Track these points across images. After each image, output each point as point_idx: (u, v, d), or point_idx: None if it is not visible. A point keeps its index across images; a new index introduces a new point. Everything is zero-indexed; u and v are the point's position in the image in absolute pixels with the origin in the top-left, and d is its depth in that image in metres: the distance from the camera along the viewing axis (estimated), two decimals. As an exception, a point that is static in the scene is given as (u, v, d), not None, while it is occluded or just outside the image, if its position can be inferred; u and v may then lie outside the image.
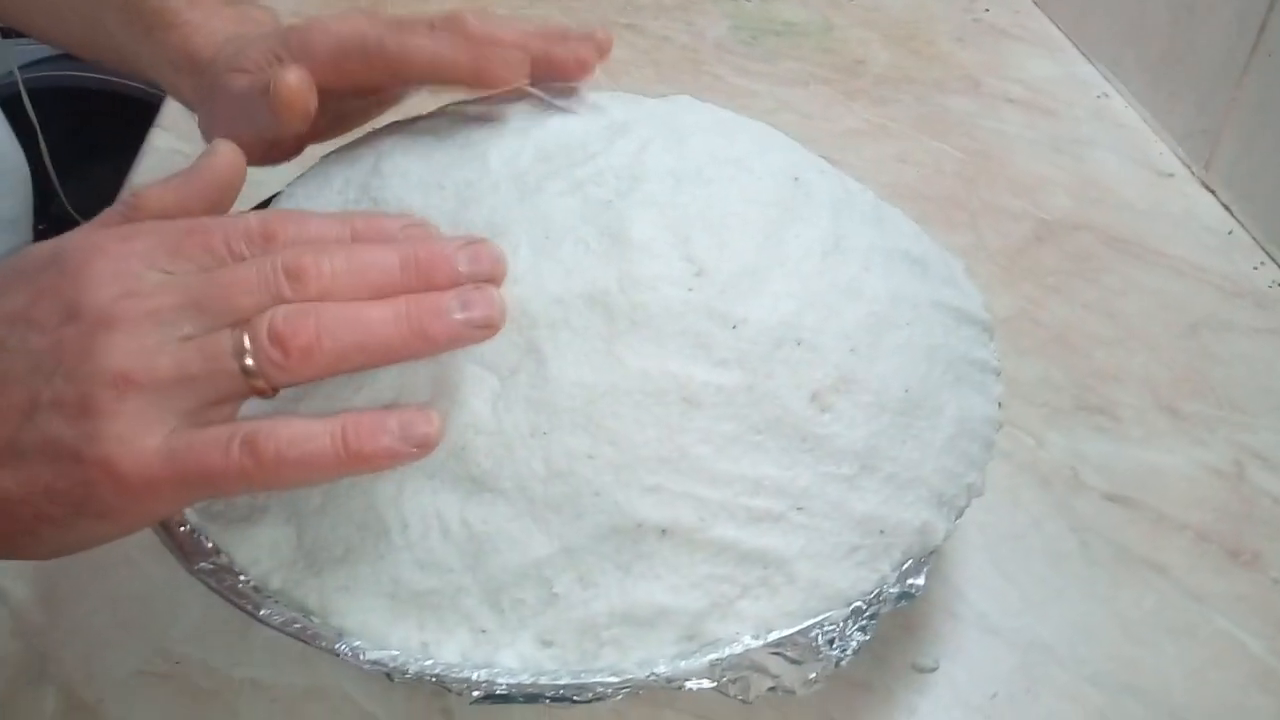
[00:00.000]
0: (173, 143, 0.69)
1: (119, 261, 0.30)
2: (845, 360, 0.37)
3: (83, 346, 0.28)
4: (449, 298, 0.31)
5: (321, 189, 0.42)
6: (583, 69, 0.41)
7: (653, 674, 0.34)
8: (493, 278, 0.32)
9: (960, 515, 0.38)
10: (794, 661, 0.35)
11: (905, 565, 0.36)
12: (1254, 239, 0.64)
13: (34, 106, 1.05)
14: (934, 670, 0.41)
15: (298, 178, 0.44)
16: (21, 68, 1.18)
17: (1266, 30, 0.63)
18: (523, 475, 0.34)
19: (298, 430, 0.29)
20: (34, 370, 0.28)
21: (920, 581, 0.37)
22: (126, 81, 1.33)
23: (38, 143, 1.06)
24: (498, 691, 0.34)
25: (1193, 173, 0.70)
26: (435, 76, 0.40)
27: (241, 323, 0.29)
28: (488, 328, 0.31)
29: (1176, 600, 0.44)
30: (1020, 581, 0.44)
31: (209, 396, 0.29)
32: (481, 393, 0.35)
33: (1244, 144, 0.66)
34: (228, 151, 0.34)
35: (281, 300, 0.29)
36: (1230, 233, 0.65)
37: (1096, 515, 0.47)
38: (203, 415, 0.29)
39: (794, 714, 0.39)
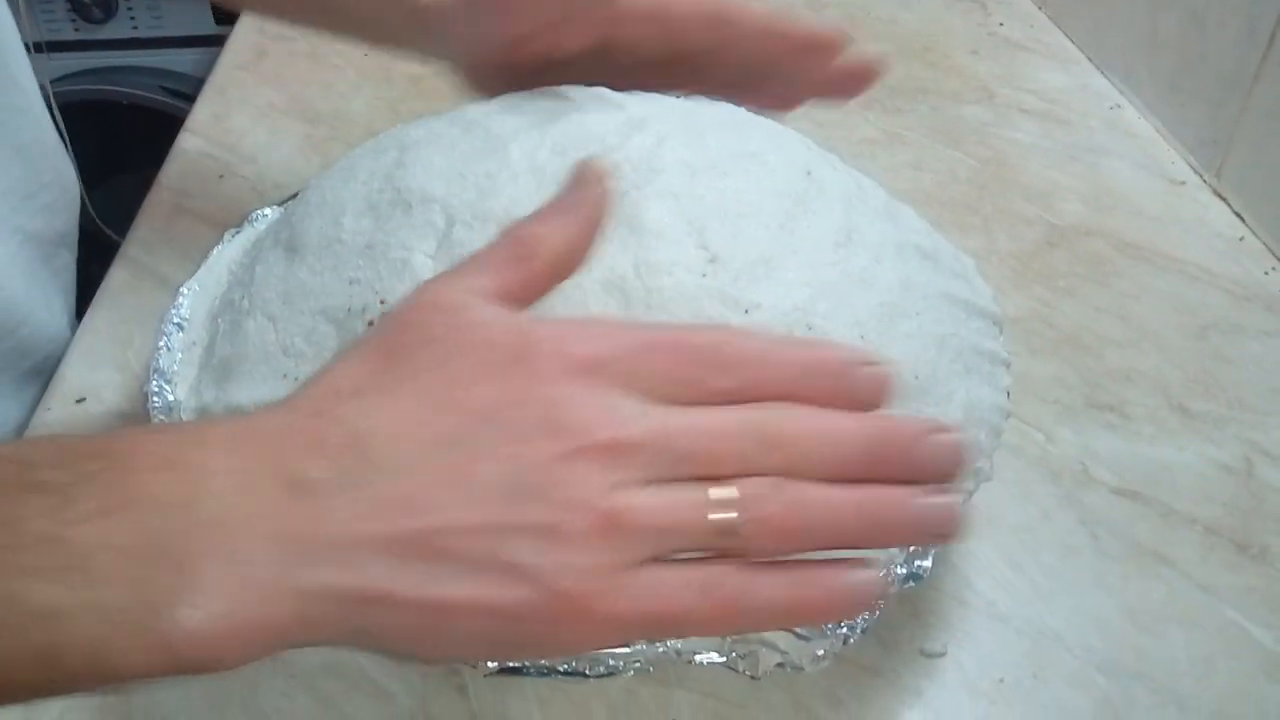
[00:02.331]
0: (201, 146, 0.70)
1: (593, 376, 0.29)
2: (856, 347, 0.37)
3: (562, 469, 0.27)
4: (911, 501, 0.30)
5: (347, 182, 0.43)
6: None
7: (664, 646, 0.34)
8: (951, 474, 0.31)
9: (968, 500, 0.39)
10: (802, 638, 0.35)
11: (913, 547, 0.37)
12: (1264, 245, 0.65)
13: (64, 120, 1.07)
14: (942, 656, 0.41)
15: (323, 171, 0.46)
16: (53, 81, 1.20)
17: (1276, 41, 0.64)
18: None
19: (753, 580, 0.29)
20: (504, 482, 0.27)
21: (928, 563, 0.37)
22: (153, 96, 1.36)
23: (68, 156, 1.08)
24: (510, 664, 0.35)
25: (1204, 180, 0.70)
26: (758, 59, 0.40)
27: (715, 480, 0.28)
28: (947, 532, 0.31)
29: (1185, 592, 0.44)
30: (1029, 572, 0.45)
31: (678, 546, 0.28)
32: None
33: (1255, 152, 0.66)
34: (603, 173, 0.35)
35: (759, 467, 0.29)
36: (1241, 239, 0.65)
37: (1106, 509, 0.48)
38: (662, 552, 0.28)
39: (802, 694, 0.40)
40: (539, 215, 0.35)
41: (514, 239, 0.33)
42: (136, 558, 0.25)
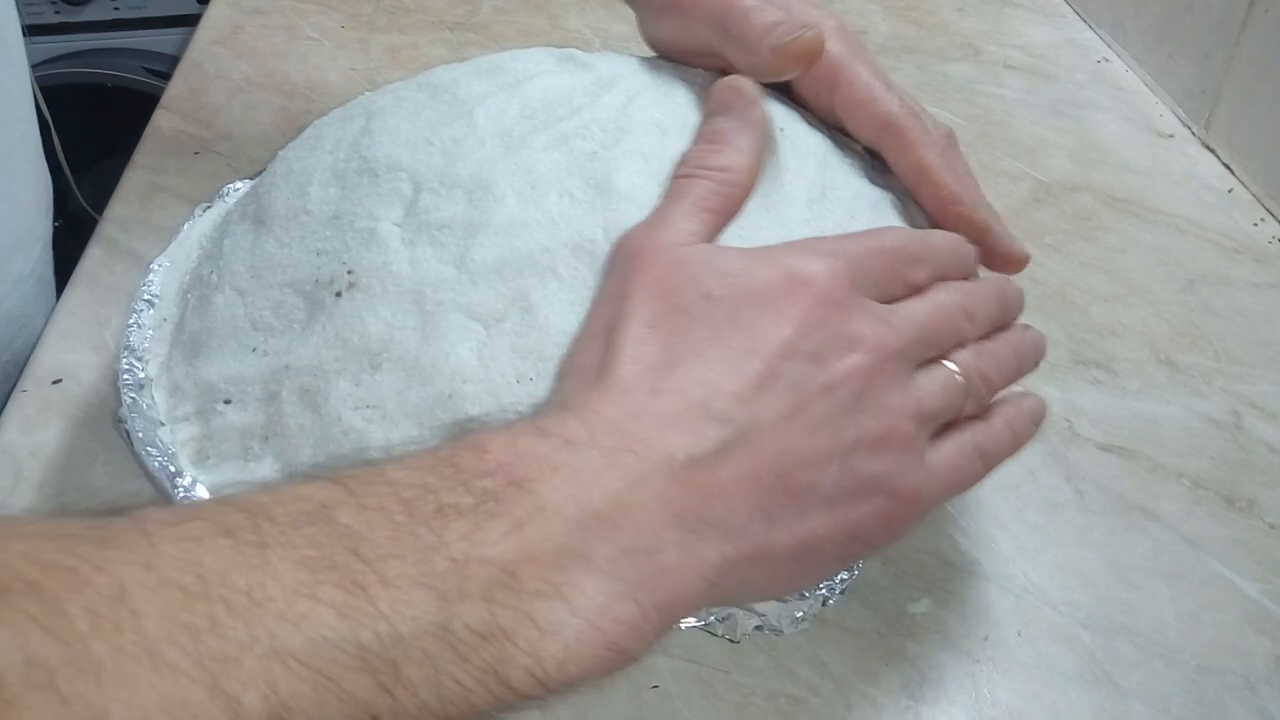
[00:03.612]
0: (177, 123, 0.70)
1: (855, 291, 0.32)
2: (829, 304, 0.37)
3: (874, 382, 0.30)
4: (1026, 337, 0.39)
5: (313, 151, 0.42)
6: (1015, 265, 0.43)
7: (639, 611, 0.34)
8: (1022, 309, 0.40)
9: None
10: (780, 600, 0.35)
11: (891, 505, 0.36)
12: (1254, 196, 0.64)
13: (47, 103, 1.07)
14: (925, 615, 0.41)
15: (290, 143, 0.45)
16: (34, 66, 1.19)
17: (1264, -13, 0.63)
18: (510, 422, 0.35)
19: (988, 430, 0.35)
20: (835, 408, 0.30)
21: (907, 521, 0.37)
22: (137, 78, 1.35)
23: (51, 139, 1.07)
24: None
25: (1193, 133, 0.70)
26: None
27: (941, 358, 0.34)
28: (1039, 359, 0.40)
29: (1171, 546, 0.44)
30: (1014, 530, 0.44)
31: (945, 419, 0.33)
32: (468, 341, 0.36)
33: (1243, 102, 0.65)
34: (754, 89, 0.38)
35: (963, 339, 0.35)
36: (1230, 191, 0.65)
37: (1092, 465, 0.47)
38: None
39: (784, 656, 0.39)
40: (717, 146, 0.36)
41: (711, 175, 0.35)
42: (554, 565, 0.25)
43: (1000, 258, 0.41)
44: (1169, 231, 0.61)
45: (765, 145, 0.37)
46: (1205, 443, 0.48)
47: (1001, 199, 0.63)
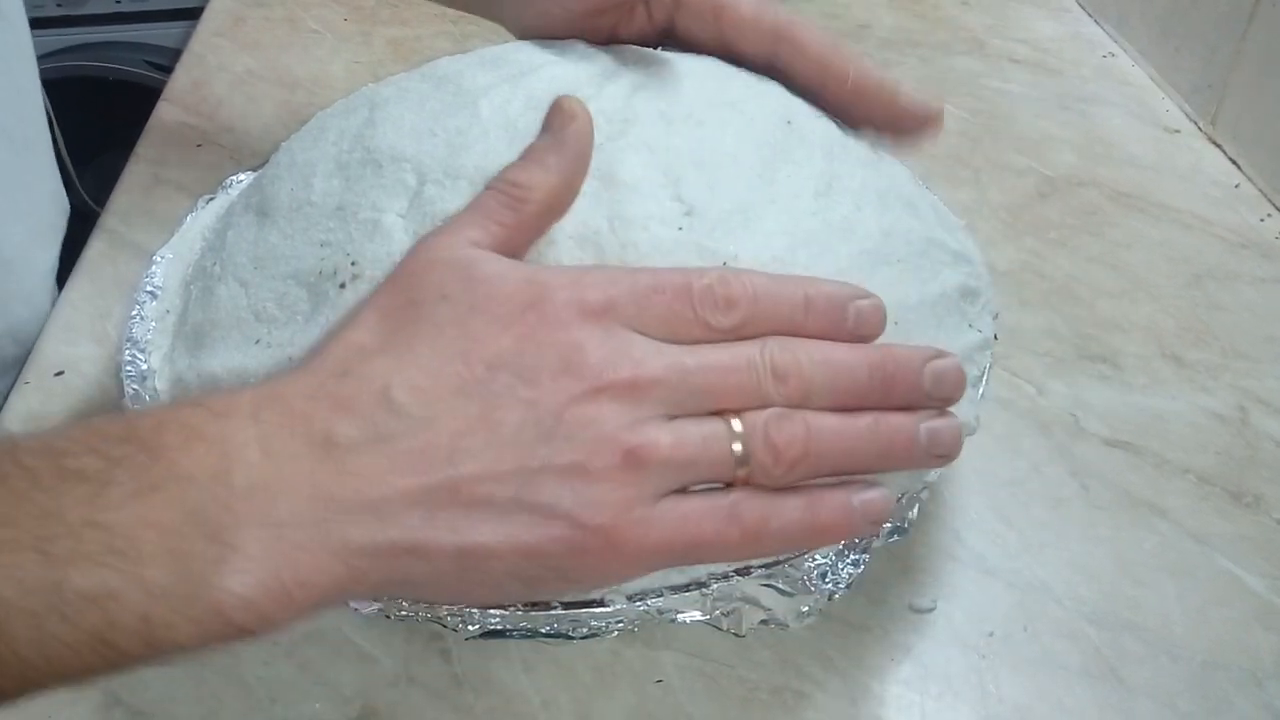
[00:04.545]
0: (180, 115, 0.69)
1: (604, 319, 0.30)
2: (836, 296, 0.37)
3: (583, 410, 0.28)
4: (916, 425, 0.32)
5: (317, 142, 0.42)
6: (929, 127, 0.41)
7: (645, 605, 0.34)
8: (952, 398, 0.32)
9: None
10: (786, 593, 0.35)
11: (899, 499, 0.36)
12: (1260, 191, 0.63)
13: (50, 97, 1.06)
14: (931, 610, 0.41)
15: (293, 135, 0.45)
16: (38, 59, 1.19)
17: (1272, -19, 0.62)
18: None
19: (773, 504, 0.30)
20: (527, 426, 0.28)
21: (912, 515, 0.37)
22: (138, 71, 1.34)
23: (54, 133, 1.07)
24: (492, 626, 0.34)
25: (1199, 128, 0.69)
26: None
27: (729, 413, 0.30)
28: (951, 453, 0.32)
29: (1178, 541, 0.44)
30: (1019, 525, 0.44)
31: (698, 478, 0.30)
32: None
33: (1250, 97, 0.65)
34: (579, 109, 0.35)
35: (766, 397, 0.30)
36: (1237, 186, 0.64)
37: (1098, 460, 0.47)
38: (686, 490, 0.30)
39: (789, 651, 0.39)
40: (523, 162, 0.34)
41: (503, 189, 0.33)
42: (177, 533, 0.25)
43: (913, 118, 0.40)
44: (1175, 226, 0.61)
45: (578, 164, 0.35)
46: (1211, 438, 0.48)
47: (1006, 193, 0.63)
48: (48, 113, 0.96)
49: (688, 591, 0.34)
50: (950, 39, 0.79)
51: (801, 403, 0.30)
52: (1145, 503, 0.45)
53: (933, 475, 0.37)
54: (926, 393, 0.32)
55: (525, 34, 0.45)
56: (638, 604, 0.34)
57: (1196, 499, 0.45)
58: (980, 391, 0.39)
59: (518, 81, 0.40)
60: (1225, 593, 0.42)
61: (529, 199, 0.33)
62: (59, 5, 1.37)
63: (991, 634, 0.40)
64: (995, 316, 0.42)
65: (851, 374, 0.31)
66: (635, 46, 0.44)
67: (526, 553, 0.28)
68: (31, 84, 0.58)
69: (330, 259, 0.38)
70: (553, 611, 0.34)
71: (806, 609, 0.35)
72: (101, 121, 1.31)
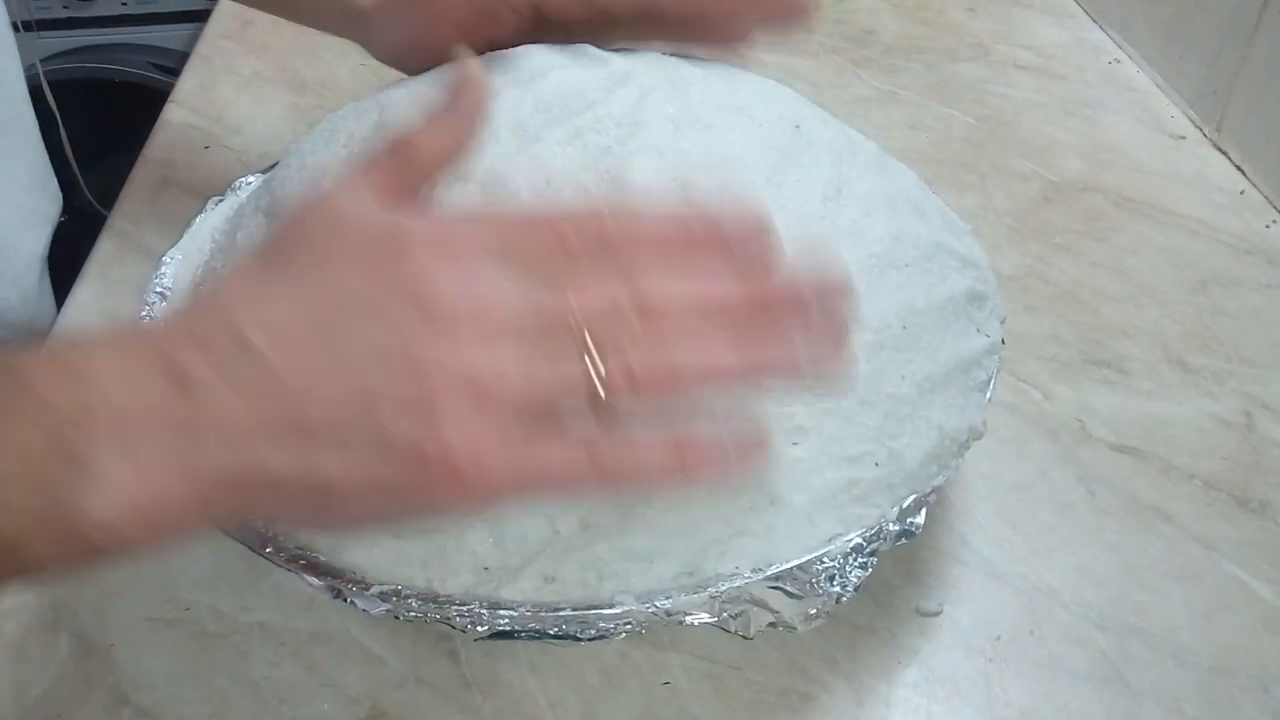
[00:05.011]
0: (187, 117, 0.70)
1: (463, 259, 0.29)
2: (844, 300, 0.37)
3: (431, 345, 0.28)
4: (798, 340, 0.30)
5: (328, 144, 0.42)
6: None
7: (653, 607, 0.34)
8: (837, 304, 0.31)
9: (961, 455, 0.38)
10: (794, 596, 0.35)
11: (906, 503, 0.36)
12: (1265, 198, 0.64)
13: (55, 99, 1.07)
14: (938, 614, 0.41)
15: (303, 137, 0.45)
16: (43, 61, 1.19)
17: (1277, -12, 0.63)
18: None
19: (634, 441, 0.29)
20: (375, 361, 0.28)
21: (920, 520, 0.37)
22: (144, 73, 1.35)
23: (59, 134, 1.07)
24: (501, 627, 0.34)
25: (1204, 134, 0.69)
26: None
27: (588, 346, 0.29)
28: (837, 368, 0.31)
29: (1184, 547, 0.44)
30: (1026, 529, 0.44)
31: (550, 411, 0.29)
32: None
33: (1255, 104, 0.65)
34: (479, 75, 0.34)
35: (626, 324, 0.29)
36: (1242, 192, 0.64)
37: (1104, 465, 0.47)
38: (539, 425, 0.29)
39: (797, 654, 0.39)
40: (419, 121, 0.34)
41: (393, 142, 0.33)
42: (37, 456, 0.26)
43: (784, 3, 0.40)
44: (1180, 232, 0.61)
45: (470, 122, 0.34)
46: (1217, 444, 0.48)
47: (1012, 199, 0.63)
48: (53, 114, 0.96)
49: (696, 593, 0.34)
50: (955, 45, 0.79)
51: (665, 325, 0.29)
52: (1151, 508, 0.45)
53: (940, 480, 0.37)
54: (805, 306, 0.30)
55: (391, 59, 0.47)
56: (646, 606, 0.34)
57: (1203, 504, 0.46)
58: (988, 396, 0.40)
59: (527, 85, 0.41)
60: (1232, 598, 0.42)
61: (415, 156, 0.33)
62: (65, 7, 1.38)
63: (998, 638, 0.40)
64: (1003, 321, 0.42)
65: (723, 303, 0.30)
66: (645, 52, 0.44)
67: (373, 486, 0.28)
68: (12, 68, 0.59)
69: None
70: (561, 613, 0.34)
71: (814, 611, 0.35)
72: (106, 123, 1.31)
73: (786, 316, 0.30)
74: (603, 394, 0.28)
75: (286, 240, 0.31)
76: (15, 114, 0.59)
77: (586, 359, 0.28)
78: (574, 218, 0.30)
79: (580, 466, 0.29)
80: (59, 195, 0.64)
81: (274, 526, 0.36)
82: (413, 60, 0.46)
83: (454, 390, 0.28)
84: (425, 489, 0.28)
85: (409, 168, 0.32)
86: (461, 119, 0.34)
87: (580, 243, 0.30)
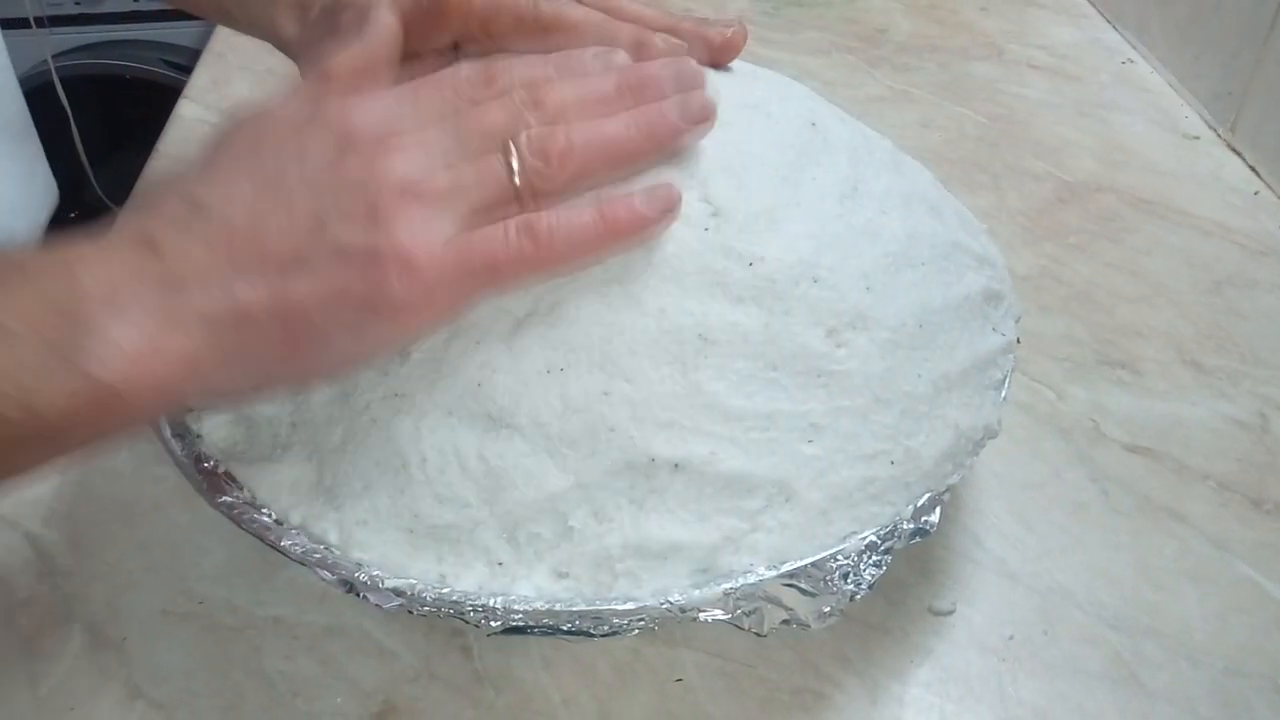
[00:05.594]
0: (200, 113, 0.70)
1: (377, 104, 0.33)
2: (861, 298, 0.37)
3: (365, 167, 0.31)
4: (668, 105, 0.35)
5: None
6: (730, 51, 0.42)
7: (667, 603, 0.34)
8: (695, 87, 0.36)
9: (976, 453, 0.38)
10: (808, 594, 0.35)
11: (921, 501, 0.36)
12: (1280, 199, 0.63)
13: (66, 94, 1.07)
14: (951, 613, 0.41)
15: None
16: (54, 56, 1.19)
17: (1293, -11, 0.62)
18: (539, 412, 0.35)
19: (564, 213, 0.33)
20: (318, 192, 0.31)
21: (934, 518, 0.37)
22: (155, 69, 1.35)
23: (70, 130, 1.08)
24: (514, 623, 0.34)
25: (1218, 135, 0.69)
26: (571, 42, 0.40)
27: (501, 142, 0.33)
28: (704, 121, 0.36)
29: (1198, 547, 0.44)
30: (1039, 529, 0.44)
31: (483, 204, 0.32)
32: (498, 331, 0.35)
33: (1269, 105, 0.65)
34: (386, 13, 0.37)
35: (527, 124, 0.34)
36: (1256, 193, 0.64)
37: (1117, 466, 0.47)
38: (476, 222, 0.32)
39: (809, 652, 0.39)
40: (341, 50, 0.37)
41: (317, 68, 0.36)
42: (39, 315, 0.29)
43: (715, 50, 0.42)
44: (1195, 233, 0.61)
45: (379, 50, 0.37)
46: (1231, 444, 0.48)
47: (1026, 199, 0.63)
48: (64, 110, 0.96)
49: (710, 590, 0.34)
50: (968, 44, 0.79)
51: (563, 118, 0.34)
52: (1165, 508, 0.45)
53: (954, 478, 0.37)
54: (671, 89, 0.36)
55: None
56: (660, 602, 0.34)
57: (1216, 505, 0.45)
58: (1003, 394, 0.39)
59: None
60: (1245, 599, 0.42)
61: (334, 78, 0.35)
62: (76, 3, 1.38)
63: (1011, 637, 0.40)
64: (1017, 320, 0.42)
65: (600, 88, 0.35)
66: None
67: (336, 296, 0.30)
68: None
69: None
70: (574, 608, 0.34)
71: (828, 609, 0.35)
72: (118, 120, 1.32)
73: (657, 91, 0.35)
74: (519, 173, 0.33)
75: (224, 134, 0.34)
76: (3, 103, 0.60)
77: (500, 152, 0.33)
78: (467, 71, 0.35)
79: (523, 246, 0.32)
80: (52, 184, 0.64)
81: (290, 519, 0.36)
82: None
83: (392, 196, 0.31)
84: (382, 288, 0.30)
85: (374, 53, 0.36)
86: (373, 48, 0.36)
87: (471, 89, 0.34)
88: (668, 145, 0.36)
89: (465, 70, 0.35)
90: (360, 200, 0.31)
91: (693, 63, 0.37)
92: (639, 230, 0.35)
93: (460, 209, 0.32)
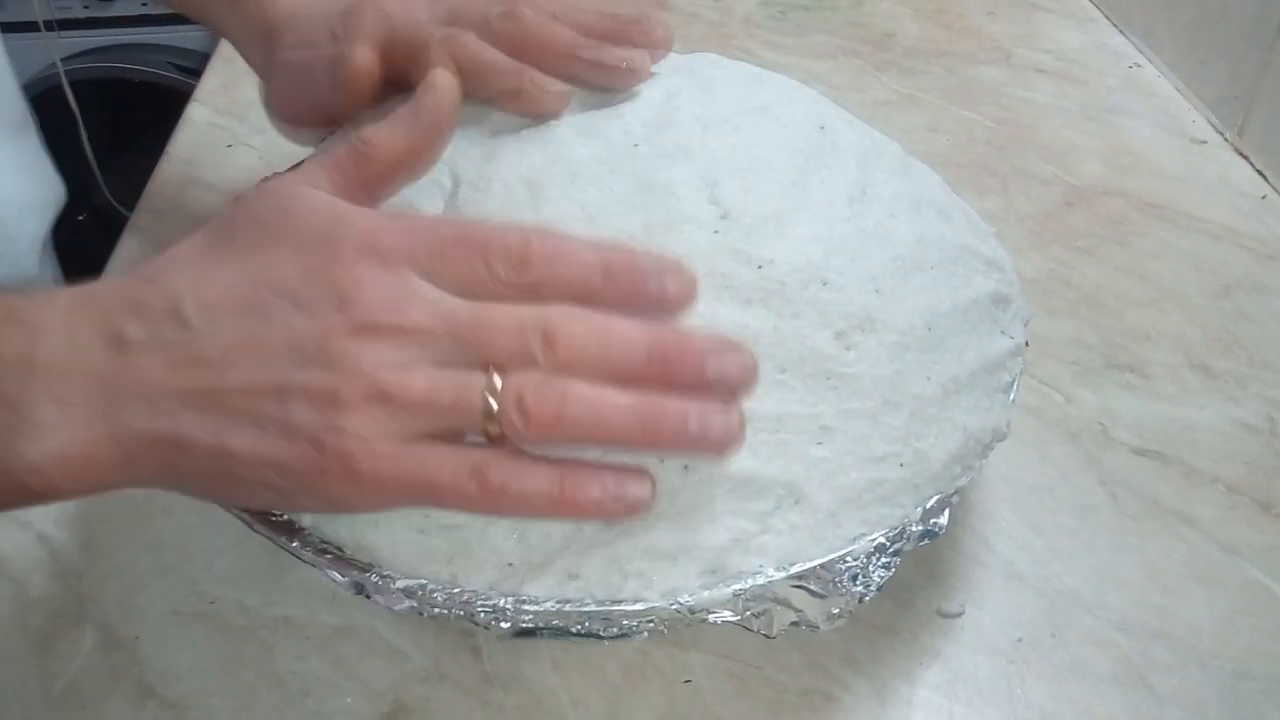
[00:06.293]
0: (209, 116, 0.70)
1: (392, 263, 0.31)
2: (870, 301, 0.37)
3: (347, 343, 0.30)
4: (690, 413, 0.30)
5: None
6: (633, 77, 0.41)
7: (676, 604, 0.34)
8: (737, 390, 0.31)
9: (985, 456, 0.38)
10: (817, 595, 0.35)
11: (930, 503, 0.36)
12: (1288, 202, 0.63)
13: (75, 98, 1.07)
14: (959, 615, 0.41)
15: (329, 137, 0.45)
16: (64, 60, 1.20)
17: (1301, -7, 0.62)
18: None
19: (523, 469, 0.30)
20: (293, 350, 0.30)
21: (943, 520, 0.37)
22: (163, 73, 1.36)
23: (79, 133, 1.08)
24: (524, 624, 0.35)
25: (1226, 139, 0.69)
26: (475, 90, 0.39)
27: (493, 367, 0.30)
28: (724, 448, 0.31)
29: (1207, 551, 0.44)
30: (1048, 532, 0.44)
31: (447, 425, 0.30)
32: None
33: (1277, 109, 0.65)
34: (446, 84, 0.35)
35: (532, 360, 0.30)
36: (1264, 197, 0.64)
37: (1126, 469, 0.47)
38: (435, 436, 0.30)
39: (818, 653, 0.39)
40: (382, 122, 0.35)
41: (354, 141, 0.34)
42: None
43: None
44: (1202, 237, 0.61)
45: (430, 131, 0.35)
46: (1240, 448, 0.48)
47: (1033, 202, 0.63)
48: (73, 113, 0.96)
49: (719, 591, 0.34)
50: (975, 48, 0.79)
51: (569, 370, 0.30)
52: (1174, 512, 0.45)
53: (963, 481, 0.37)
54: (708, 382, 0.31)
55: (287, 118, 0.48)
56: (669, 603, 0.34)
57: (1225, 508, 0.45)
58: (1011, 398, 0.40)
59: (553, 85, 0.41)
60: (1254, 602, 0.42)
61: (374, 156, 0.34)
62: (85, 7, 1.39)
63: (1020, 640, 0.40)
64: (1026, 323, 0.42)
65: (628, 350, 0.31)
66: (670, 53, 0.44)
67: (272, 464, 0.30)
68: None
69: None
70: (584, 609, 0.34)
71: (837, 611, 0.35)
72: (126, 123, 1.32)
73: (691, 377, 0.31)
74: (494, 425, 0.30)
75: (235, 220, 0.32)
76: (4, 102, 0.60)
77: (485, 386, 0.30)
78: (504, 242, 0.31)
79: (465, 483, 0.30)
80: (59, 184, 0.64)
81: (300, 520, 0.36)
82: (302, 124, 0.47)
83: (360, 387, 0.29)
84: (319, 475, 0.30)
85: (366, 168, 0.34)
86: (421, 125, 0.35)
87: (504, 268, 0.31)
88: (666, 453, 0.33)
89: (508, 240, 0.31)
90: (329, 378, 0.29)
91: (749, 358, 0.31)
92: (592, 517, 0.33)
93: (423, 425, 0.30)
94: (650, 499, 0.32)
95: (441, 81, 0.35)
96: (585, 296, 0.31)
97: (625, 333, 0.31)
